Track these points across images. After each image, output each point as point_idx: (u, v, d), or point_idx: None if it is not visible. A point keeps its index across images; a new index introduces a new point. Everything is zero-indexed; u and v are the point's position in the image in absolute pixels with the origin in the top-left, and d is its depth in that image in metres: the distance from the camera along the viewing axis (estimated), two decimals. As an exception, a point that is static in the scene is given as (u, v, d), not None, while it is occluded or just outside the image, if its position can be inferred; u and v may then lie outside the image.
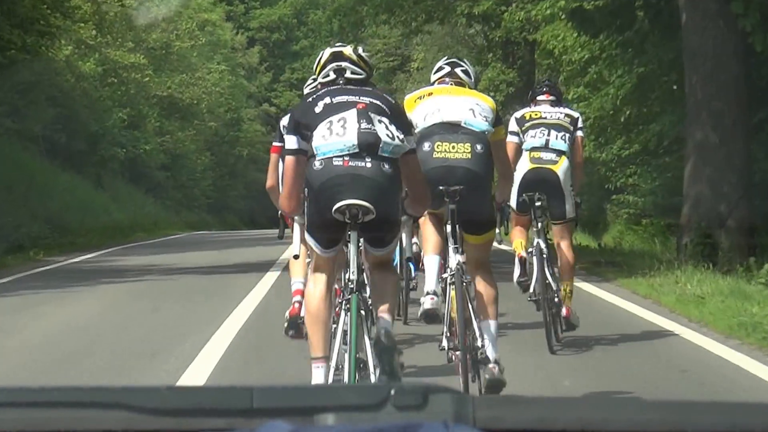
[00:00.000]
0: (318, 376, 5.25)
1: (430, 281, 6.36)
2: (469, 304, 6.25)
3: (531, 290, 8.50)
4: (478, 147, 6.42)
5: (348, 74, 5.67)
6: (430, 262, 6.45)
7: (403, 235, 6.12)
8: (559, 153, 8.59)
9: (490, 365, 6.08)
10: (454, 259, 6.32)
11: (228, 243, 22.85)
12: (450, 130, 6.49)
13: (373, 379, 5.10)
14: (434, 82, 6.98)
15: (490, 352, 6.14)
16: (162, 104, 47.14)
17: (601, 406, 1.81)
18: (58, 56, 35.77)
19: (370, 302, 5.58)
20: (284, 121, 6.84)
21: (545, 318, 8.31)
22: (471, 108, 6.57)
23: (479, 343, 6.11)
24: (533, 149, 8.62)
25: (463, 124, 6.51)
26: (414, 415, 1.64)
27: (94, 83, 38.90)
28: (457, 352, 6.22)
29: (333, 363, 5.29)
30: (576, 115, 9.08)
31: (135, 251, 20.36)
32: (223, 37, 60.93)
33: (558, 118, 8.75)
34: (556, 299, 8.38)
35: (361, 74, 5.70)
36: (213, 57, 50.88)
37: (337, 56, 5.73)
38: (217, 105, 54.27)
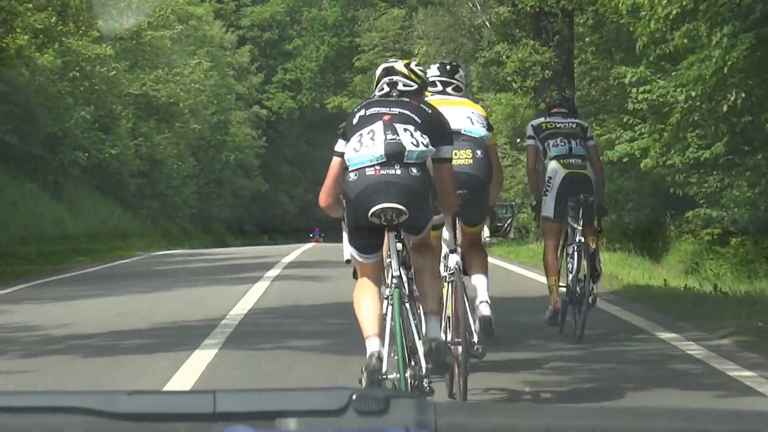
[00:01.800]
0: (372, 345, 5.46)
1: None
2: (466, 302, 6.55)
3: (569, 284, 8.93)
4: (479, 152, 6.76)
5: (400, 87, 5.93)
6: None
7: (445, 231, 6.56)
8: (583, 158, 9.09)
9: (482, 305, 6.79)
10: (453, 259, 6.59)
11: (181, 275, 16.50)
12: None
13: (423, 365, 5.43)
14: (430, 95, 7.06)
15: (482, 295, 6.87)
16: (138, 104, 41.33)
17: (561, 414, 1.83)
18: (10, 46, 30.20)
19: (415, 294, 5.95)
20: None
21: (578, 309, 8.82)
22: (468, 116, 6.89)
23: (475, 339, 6.54)
24: (559, 157, 9.05)
25: (462, 132, 6.75)
26: (376, 420, 1.65)
27: (52, 77, 33.03)
28: (454, 346, 6.49)
29: (384, 354, 5.42)
30: (585, 124, 9.58)
31: (39, 293, 14.03)
32: (209, 32, 55.18)
33: (571, 127, 9.25)
34: (592, 296, 8.88)
35: (412, 86, 5.95)
36: (195, 53, 44.87)
37: (389, 71, 6.01)
38: (202, 106, 48.51)
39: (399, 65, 6.03)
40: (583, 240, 8.76)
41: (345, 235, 6.05)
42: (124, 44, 35.51)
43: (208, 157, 55.80)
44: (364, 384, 5.27)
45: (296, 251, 23.17)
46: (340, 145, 5.73)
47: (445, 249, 6.62)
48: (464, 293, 6.51)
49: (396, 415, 1.63)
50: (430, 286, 5.82)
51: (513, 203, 11.20)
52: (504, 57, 21.05)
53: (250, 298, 11.55)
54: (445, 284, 6.52)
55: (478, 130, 6.80)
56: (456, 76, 7.19)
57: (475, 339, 6.48)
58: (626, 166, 24.84)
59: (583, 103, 23.67)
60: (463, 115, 6.82)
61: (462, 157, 6.62)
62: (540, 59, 20.34)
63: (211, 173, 55.61)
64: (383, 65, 6.10)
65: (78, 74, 33.99)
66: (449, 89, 7.11)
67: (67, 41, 33.72)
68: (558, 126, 9.13)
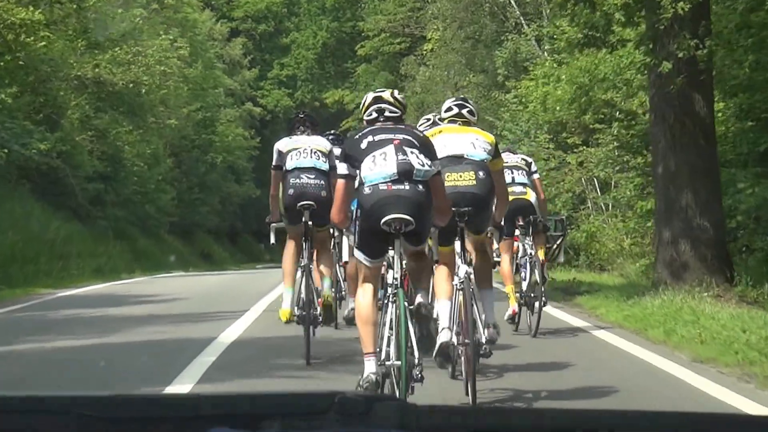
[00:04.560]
0: (369, 366, 6.00)
1: (444, 319, 6.75)
2: (475, 306, 6.92)
3: (523, 290, 10.63)
4: (481, 173, 7.18)
5: (387, 113, 6.54)
6: (444, 306, 6.86)
7: (431, 242, 6.83)
8: (524, 185, 10.72)
9: (490, 329, 7.12)
10: (463, 269, 6.96)
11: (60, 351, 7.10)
12: (455, 161, 7.16)
13: (416, 354, 5.94)
14: (445, 120, 7.71)
15: (489, 317, 7.18)
16: (98, 92, 31.58)
17: (543, 416, 1.75)
18: None
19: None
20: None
21: (532, 309, 10.43)
22: (471, 142, 7.33)
23: (483, 340, 6.91)
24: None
25: (465, 156, 7.24)
26: (358, 423, 1.59)
27: (-39, 49, 23.38)
28: (464, 347, 6.85)
29: (382, 347, 5.95)
30: (530, 159, 11.28)
31: None
32: (191, 16, 45.45)
33: (516, 162, 10.94)
34: (543, 298, 10.39)
35: (396, 112, 6.58)
36: (167, 32, 35.01)
37: (377, 99, 6.59)
38: (182, 100, 38.73)
39: (386, 94, 6.63)
40: (534, 253, 10.53)
41: (344, 243, 8.17)
42: (64, 9, 25.72)
43: (192, 158, 46.11)
44: None
45: (262, 300, 13.73)
46: (342, 168, 6.38)
47: (457, 261, 7.00)
48: (473, 300, 6.89)
49: (378, 418, 1.58)
50: (425, 277, 6.62)
51: (563, 217, 12.01)
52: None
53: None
54: (456, 292, 6.93)
55: (479, 154, 7.24)
56: (468, 102, 7.83)
57: (483, 340, 6.90)
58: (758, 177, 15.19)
59: (724, 65, 13.93)
60: (467, 141, 7.31)
61: (466, 179, 7.14)
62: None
63: (194, 177, 45.92)
64: (373, 94, 6.65)
65: (-3, 46, 24.32)
66: (464, 111, 7.66)
67: (-18, 3, 24.12)
68: (506, 161, 9.92)
